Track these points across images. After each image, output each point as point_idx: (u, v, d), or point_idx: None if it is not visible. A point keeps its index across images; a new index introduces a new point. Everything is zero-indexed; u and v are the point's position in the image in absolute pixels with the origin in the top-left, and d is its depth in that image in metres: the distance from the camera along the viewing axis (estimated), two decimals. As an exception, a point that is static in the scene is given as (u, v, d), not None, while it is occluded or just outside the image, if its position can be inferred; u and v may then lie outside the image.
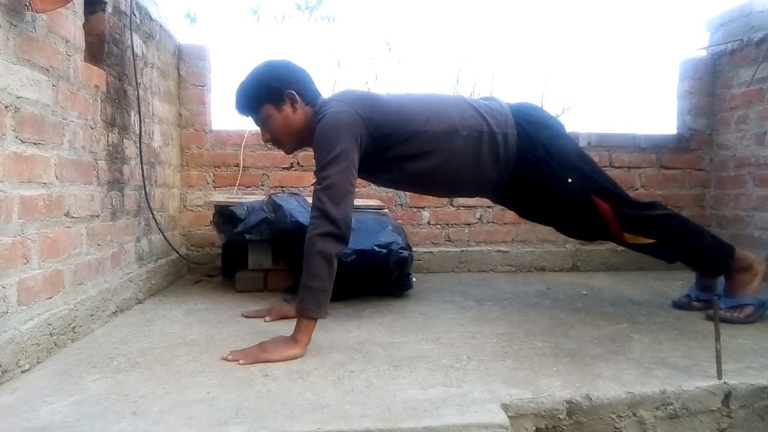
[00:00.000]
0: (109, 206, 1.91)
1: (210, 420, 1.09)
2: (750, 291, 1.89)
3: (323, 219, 1.51)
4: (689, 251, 1.91)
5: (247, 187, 2.95)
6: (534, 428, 1.20)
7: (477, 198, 3.03)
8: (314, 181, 1.61)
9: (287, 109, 1.71)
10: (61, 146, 1.57)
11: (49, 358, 1.46)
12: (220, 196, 2.71)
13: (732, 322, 1.81)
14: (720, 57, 3.08)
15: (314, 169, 1.62)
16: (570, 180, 1.76)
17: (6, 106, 1.30)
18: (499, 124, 1.76)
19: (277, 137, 1.76)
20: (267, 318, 1.88)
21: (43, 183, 1.47)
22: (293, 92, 1.70)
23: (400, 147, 1.74)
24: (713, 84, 3.14)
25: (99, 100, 1.83)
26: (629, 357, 1.50)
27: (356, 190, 1.68)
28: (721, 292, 1.98)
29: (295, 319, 1.54)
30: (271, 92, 1.70)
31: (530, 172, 1.78)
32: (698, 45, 3.19)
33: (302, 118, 1.72)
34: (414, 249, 2.57)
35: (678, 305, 2.08)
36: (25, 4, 1.34)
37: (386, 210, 2.69)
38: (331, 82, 7.15)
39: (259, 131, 1.79)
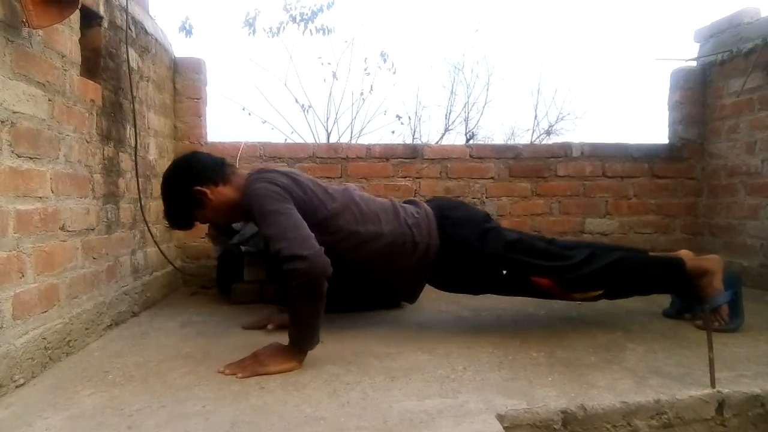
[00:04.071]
0: (105, 219, 1.91)
1: (206, 433, 1.09)
2: (714, 291, 1.91)
3: (292, 263, 1.47)
4: (640, 286, 1.95)
5: (243, 199, 2.95)
6: (529, 438, 1.21)
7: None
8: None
9: (206, 199, 1.74)
10: (56, 160, 1.57)
11: (44, 373, 1.46)
12: (216, 208, 2.70)
13: (721, 331, 1.82)
14: (710, 67, 3.12)
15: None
16: (505, 272, 1.79)
17: (2, 121, 1.31)
18: (422, 234, 1.79)
19: (213, 222, 1.86)
20: (269, 326, 1.90)
21: (39, 197, 1.48)
22: (198, 188, 1.72)
23: (324, 237, 1.64)
24: (704, 94, 3.18)
25: (95, 114, 1.84)
26: (624, 366, 1.51)
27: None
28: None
29: None
30: (186, 199, 1.74)
31: (464, 267, 1.80)
32: (688, 55, 3.23)
33: (224, 198, 1.75)
34: (409, 259, 2.57)
35: (668, 315, 2.13)
36: (22, 21, 1.36)
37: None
38: (326, 93, 7.18)
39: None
